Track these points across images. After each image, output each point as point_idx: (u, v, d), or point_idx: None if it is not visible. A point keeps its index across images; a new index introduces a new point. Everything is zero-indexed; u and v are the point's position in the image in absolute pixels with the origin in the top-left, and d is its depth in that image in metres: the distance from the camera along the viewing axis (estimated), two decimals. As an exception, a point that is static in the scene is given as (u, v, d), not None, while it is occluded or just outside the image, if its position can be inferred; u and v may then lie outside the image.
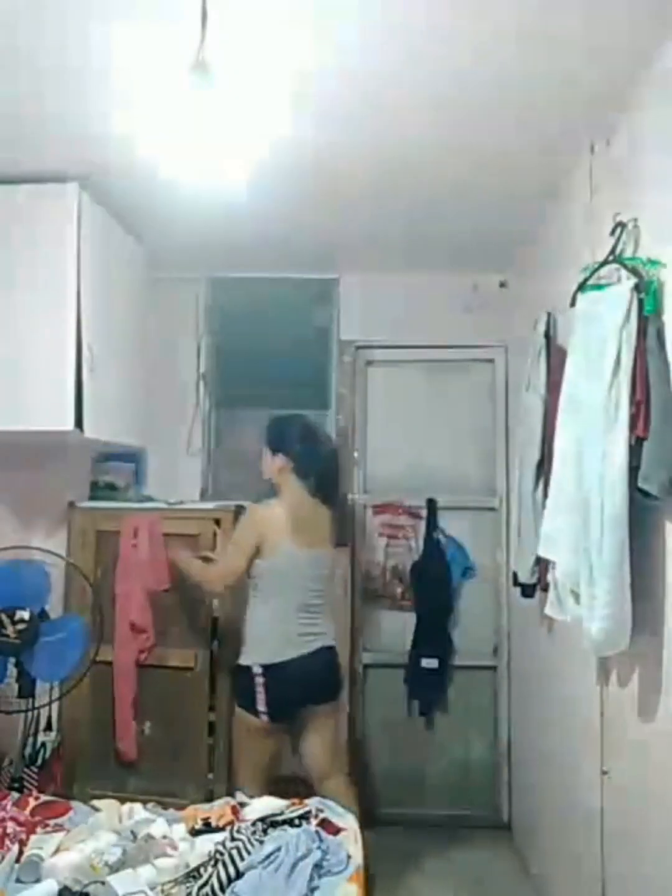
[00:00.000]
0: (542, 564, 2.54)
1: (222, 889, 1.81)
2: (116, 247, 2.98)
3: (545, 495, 2.29)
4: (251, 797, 2.34)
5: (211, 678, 3.06)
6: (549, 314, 2.70)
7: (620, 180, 2.15)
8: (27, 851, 1.97)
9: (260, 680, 2.61)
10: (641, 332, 1.79)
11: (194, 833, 2.10)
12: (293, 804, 2.22)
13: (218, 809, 2.23)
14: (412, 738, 3.66)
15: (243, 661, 2.68)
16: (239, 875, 1.84)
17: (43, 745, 3.00)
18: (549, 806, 2.86)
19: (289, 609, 2.68)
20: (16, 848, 1.99)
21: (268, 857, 1.86)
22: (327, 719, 2.77)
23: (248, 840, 1.95)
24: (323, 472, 2.77)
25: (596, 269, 2.10)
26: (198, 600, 3.06)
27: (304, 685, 2.66)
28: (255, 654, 2.66)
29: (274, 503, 2.73)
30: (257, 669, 2.62)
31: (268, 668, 2.61)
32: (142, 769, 3.08)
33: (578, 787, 2.45)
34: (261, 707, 2.61)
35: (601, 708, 2.23)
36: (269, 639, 2.66)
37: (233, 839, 1.96)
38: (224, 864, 1.87)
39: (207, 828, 2.12)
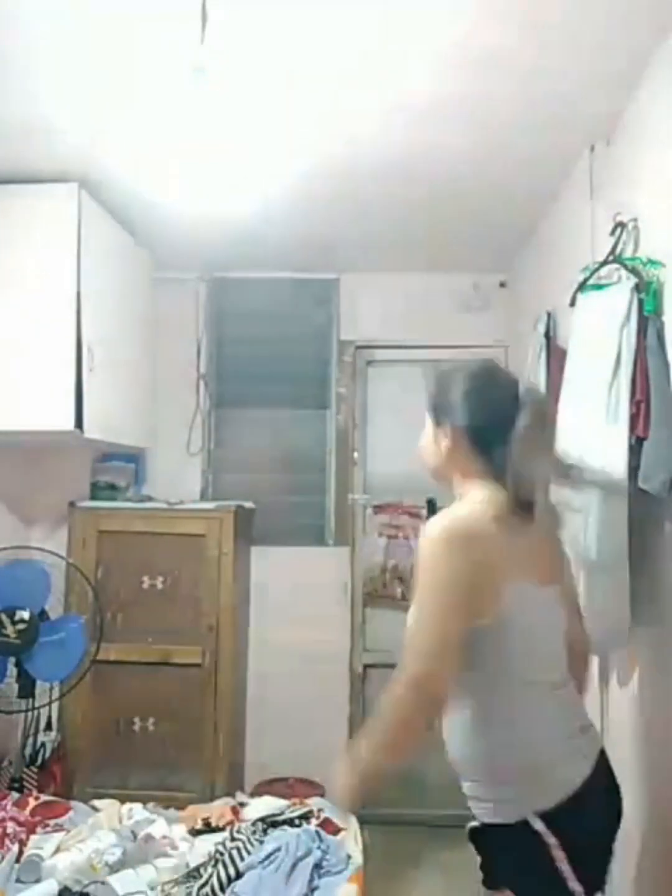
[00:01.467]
0: (542, 564, 2.54)
1: (222, 889, 1.81)
2: (116, 247, 2.98)
3: (545, 495, 2.29)
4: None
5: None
6: (549, 314, 2.69)
7: (620, 180, 2.15)
8: (27, 851, 1.97)
9: (552, 840, 1.38)
10: (641, 332, 1.79)
11: (194, 833, 2.10)
12: (293, 804, 2.22)
13: (218, 809, 2.23)
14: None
15: (504, 818, 1.45)
16: (239, 875, 1.84)
17: (43, 745, 3.00)
18: (549, 806, 2.85)
19: (552, 696, 1.51)
20: (16, 848, 1.99)
21: (268, 857, 1.87)
22: None
23: (248, 840, 1.95)
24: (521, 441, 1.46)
25: (596, 269, 2.10)
26: (203, 597, 3.06)
27: (612, 818, 1.52)
28: (524, 798, 1.43)
29: (471, 508, 1.51)
30: (540, 825, 1.39)
31: (556, 816, 1.39)
32: (145, 767, 3.10)
33: (578, 787, 2.44)
34: (573, 885, 1.39)
35: (601, 708, 2.22)
36: (539, 762, 1.45)
37: (233, 839, 1.97)
38: (224, 864, 1.87)
39: (207, 828, 2.12)
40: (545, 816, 1.38)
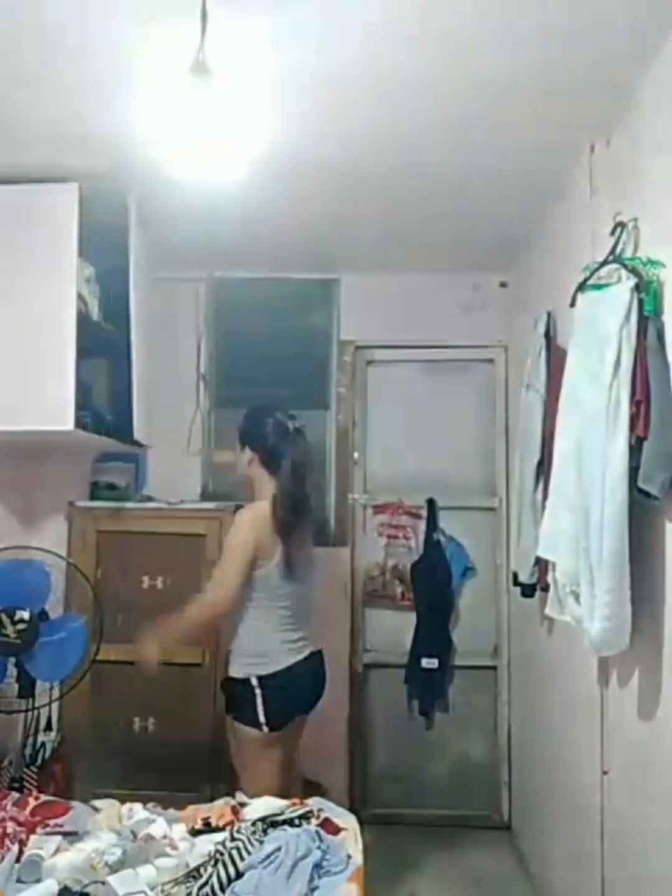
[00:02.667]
0: (541, 564, 2.54)
1: (222, 889, 1.80)
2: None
3: (545, 495, 2.29)
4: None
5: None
6: (549, 314, 2.70)
7: (620, 180, 2.15)
8: (27, 851, 1.97)
9: (259, 692, 2.49)
10: (641, 332, 1.80)
11: (194, 833, 2.10)
12: (293, 804, 2.21)
13: (218, 809, 2.23)
14: (412, 738, 3.66)
15: (237, 673, 2.54)
16: (239, 875, 1.84)
17: (43, 745, 3.00)
18: (549, 806, 2.86)
19: (285, 615, 2.56)
20: (16, 848, 1.99)
21: (268, 857, 1.86)
22: (302, 727, 2.70)
23: (248, 840, 1.94)
24: (295, 466, 2.54)
25: (596, 269, 2.10)
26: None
27: (300, 692, 2.60)
28: (251, 666, 2.53)
29: (260, 504, 2.53)
30: (254, 681, 2.49)
31: (265, 679, 2.50)
32: (145, 767, 3.09)
33: (578, 787, 2.45)
34: (262, 719, 2.49)
35: (601, 708, 2.23)
36: (266, 649, 2.54)
37: (233, 839, 1.96)
38: (224, 864, 1.86)
39: (207, 828, 2.12)
40: (260, 678, 2.48)
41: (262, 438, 2.58)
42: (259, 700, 2.49)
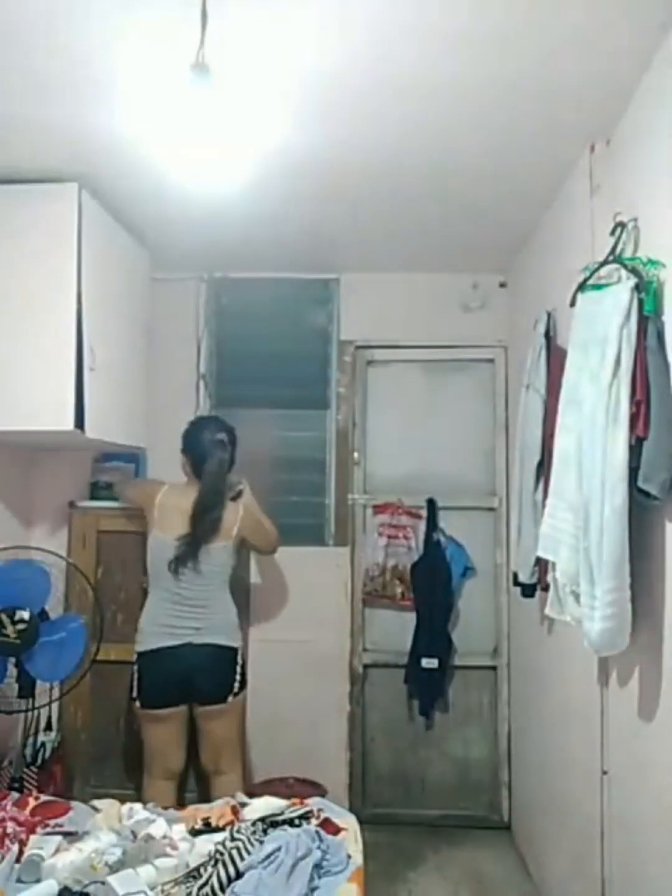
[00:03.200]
0: (541, 564, 2.54)
1: (222, 889, 1.81)
2: (116, 247, 2.98)
3: (545, 495, 2.29)
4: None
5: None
6: (549, 314, 2.70)
7: (620, 180, 2.15)
8: (27, 851, 1.97)
9: (135, 667, 2.77)
10: (641, 332, 1.79)
11: (194, 833, 2.10)
12: (293, 804, 2.21)
13: (218, 809, 2.23)
14: (412, 738, 3.66)
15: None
16: (239, 875, 1.84)
17: (43, 745, 3.00)
18: (549, 806, 2.86)
19: (160, 599, 2.80)
20: (16, 848, 1.99)
21: (268, 857, 1.86)
22: (214, 720, 2.80)
23: (248, 840, 1.95)
24: (209, 469, 2.90)
25: (596, 269, 2.10)
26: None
27: (172, 678, 2.74)
28: (137, 642, 2.81)
29: (167, 489, 2.94)
30: (134, 656, 2.78)
31: (140, 656, 2.77)
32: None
33: (578, 787, 2.45)
34: (134, 693, 2.77)
35: (601, 708, 2.23)
36: (144, 627, 2.80)
37: (233, 839, 1.96)
38: (224, 864, 1.87)
39: (207, 828, 2.12)
40: (137, 653, 2.79)
41: (186, 443, 3.03)
42: (135, 675, 2.80)
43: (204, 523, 2.83)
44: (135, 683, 2.76)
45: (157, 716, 2.77)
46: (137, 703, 2.76)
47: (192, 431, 3.02)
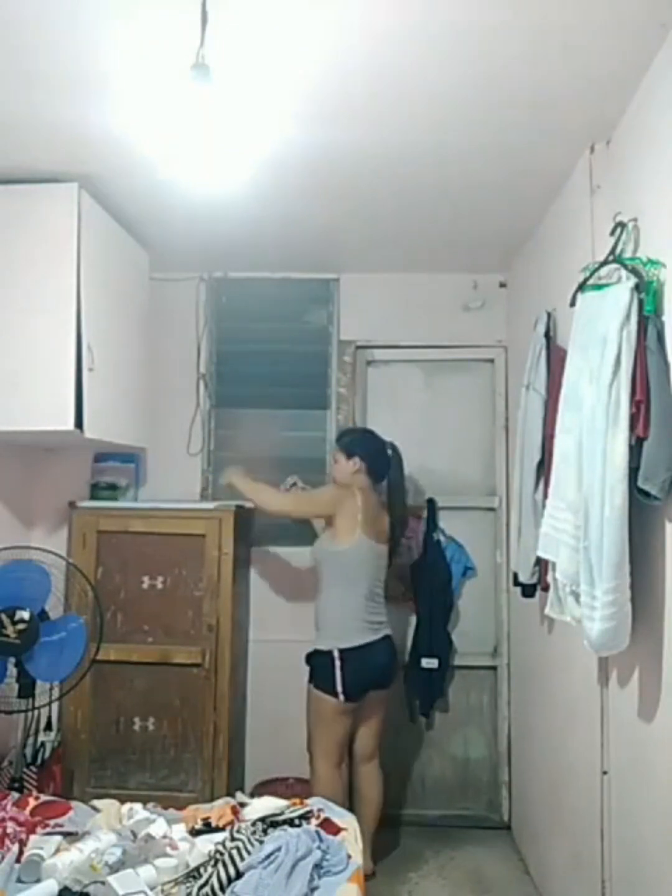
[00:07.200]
0: (542, 564, 2.54)
1: (222, 889, 1.81)
2: (116, 247, 2.98)
3: (545, 495, 2.29)
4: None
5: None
6: (549, 314, 2.70)
7: (620, 180, 2.16)
8: (27, 851, 1.97)
9: (339, 663, 2.87)
10: (641, 332, 1.79)
11: (194, 833, 2.10)
12: (293, 804, 2.21)
13: (218, 809, 2.23)
14: (412, 738, 3.66)
15: (321, 645, 2.93)
16: (239, 875, 1.84)
17: (43, 745, 3.00)
18: (549, 806, 2.86)
19: (360, 596, 2.94)
20: (16, 848, 1.99)
21: (268, 857, 1.86)
22: (381, 704, 3.07)
23: (248, 840, 1.95)
24: (391, 477, 3.15)
25: (596, 269, 2.11)
26: (203, 597, 3.06)
27: (374, 669, 2.96)
28: (333, 639, 2.92)
29: (361, 495, 3.00)
30: (336, 653, 2.88)
31: (345, 652, 2.88)
32: (145, 767, 3.10)
33: (578, 787, 2.45)
34: (339, 688, 2.87)
35: (601, 708, 2.23)
36: (345, 625, 2.93)
37: (233, 839, 1.96)
38: (224, 864, 1.87)
39: (207, 828, 2.12)
40: (340, 651, 2.88)
41: (366, 450, 3.12)
42: (338, 671, 2.88)
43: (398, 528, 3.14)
44: (337, 678, 2.86)
45: (352, 708, 2.94)
46: (342, 697, 2.87)
47: (369, 438, 3.18)
